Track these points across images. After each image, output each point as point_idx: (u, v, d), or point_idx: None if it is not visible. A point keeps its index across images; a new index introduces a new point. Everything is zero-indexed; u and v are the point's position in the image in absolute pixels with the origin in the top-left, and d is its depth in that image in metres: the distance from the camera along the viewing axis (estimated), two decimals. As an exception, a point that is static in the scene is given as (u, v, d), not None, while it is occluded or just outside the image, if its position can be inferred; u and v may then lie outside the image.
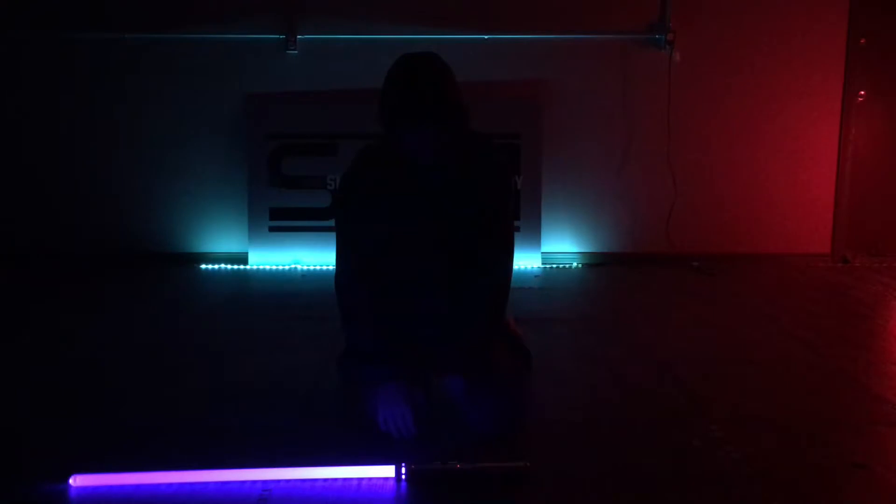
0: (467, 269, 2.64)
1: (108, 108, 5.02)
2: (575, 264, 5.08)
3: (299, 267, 4.97)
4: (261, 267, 4.98)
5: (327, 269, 4.79)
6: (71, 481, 2.24)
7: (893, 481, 2.33)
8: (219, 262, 5.03)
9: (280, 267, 4.98)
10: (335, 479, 2.28)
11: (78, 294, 4.39)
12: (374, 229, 2.62)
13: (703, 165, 5.11)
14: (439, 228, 2.62)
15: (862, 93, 5.08)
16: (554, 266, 5.03)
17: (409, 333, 2.69)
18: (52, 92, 4.99)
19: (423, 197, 2.60)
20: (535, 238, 4.98)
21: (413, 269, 2.65)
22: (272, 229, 5.01)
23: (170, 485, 2.25)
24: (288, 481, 2.27)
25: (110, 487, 2.24)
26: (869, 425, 2.70)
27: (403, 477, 2.26)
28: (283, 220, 5.00)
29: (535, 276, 4.72)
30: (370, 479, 2.28)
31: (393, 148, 2.54)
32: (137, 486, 2.24)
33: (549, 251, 5.10)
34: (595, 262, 5.10)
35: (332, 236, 2.73)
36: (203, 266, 5.00)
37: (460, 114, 2.50)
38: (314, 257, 4.97)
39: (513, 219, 2.91)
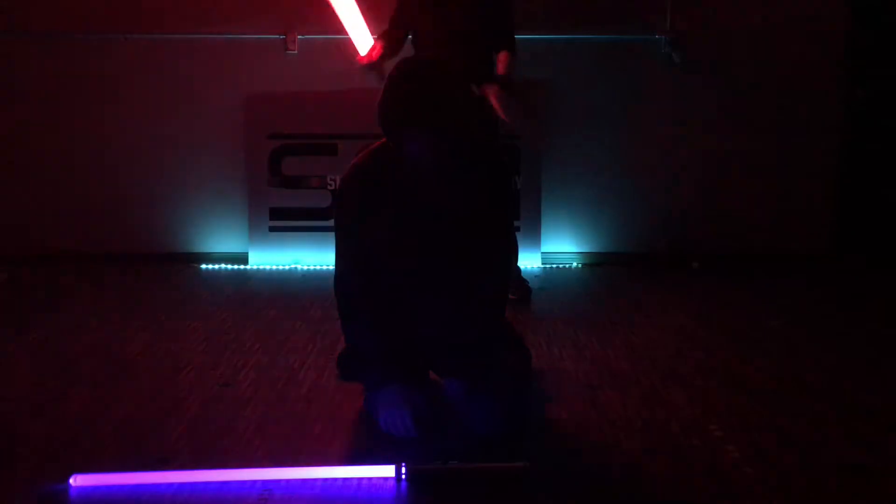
0: (467, 272, 2.64)
1: (108, 108, 5.02)
2: (575, 264, 5.08)
3: (299, 267, 4.97)
4: (261, 267, 4.98)
5: (327, 270, 4.79)
6: (71, 481, 2.24)
7: (892, 483, 2.33)
8: (219, 262, 5.03)
9: (280, 267, 4.98)
10: (335, 479, 2.28)
11: (78, 294, 4.38)
12: (374, 232, 2.62)
13: (703, 165, 5.11)
14: (439, 231, 2.62)
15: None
16: (554, 266, 5.03)
17: (410, 335, 2.69)
18: (52, 92, 4.99)
19: (423, 199, 2.60)
20: (535, 238, 4.98)
21: (413, 271, 2.65)
22: (272, 229, 5.01)
23: (170, 485, 2.25)
24: (288, 481, 2.27)
25: (110, 487, 2.24)
26: (868, 426, 2.70)
27: (403, 477, 2.26)
28: (284, 220, 5.00)
29: (535, 276, 4.72)
30: (370, 479, 2.28)
31: (393, 151, 2.54)
32: (137, 486, 2.24)
33: (549, 251, 5.09)
34: (595, 262, 5.10)
35: (333, 236, 2.73)
36: (203, 266, 5.00)
37: (460, 119, 2.50)
38: (314, 257, 4.97)
39: (513, 220, 2.92)
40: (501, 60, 4.00)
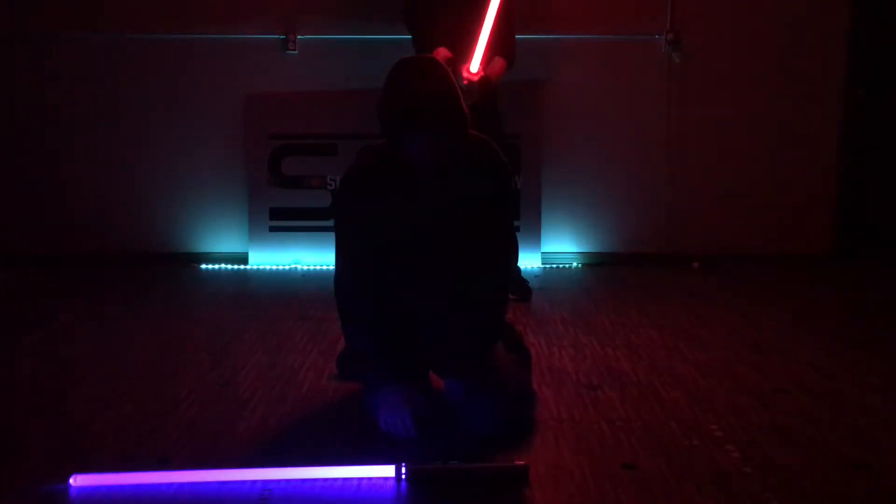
0: (468, 272, 2.64)
1: (108, 108, 5.01)
2: (575, 264, 5.08)
3: (299, 267, 4.97)
4: (261, 267, 4.98)
5: (327, 269, 4.78)
6: (71, 481, 2.24)
7: (893, 481, 2.33)
8: (219, 262, 5.02)
9: (280, 267, 4.98)
10: (335, 479, 2.28)
11: (78, 294, 4.38)
12: (373, 233, 2.62)
13: (703, 165, 5.10)
14: (439, 231, 2.62)
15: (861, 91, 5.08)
16: (554, 266, 5.03)
17: (410, 335, 2.69)
18: (52, 92, 4.99)
19: (423, 200, 2.60)
20: (535, 238, 4.98)
21: (413, 272, 2.65)
22: (272, 229, 5.01)
23: (170, 485, 2.25)
24: (288, 481, 2.27)
25: (110, 487, 2.24)
26: (868, 425, 2.70)
27: (403, 477, 2.26)
28: (284, 220, 5.00)
29: (535, 276, 4.72)
30: (370, 479, 2.28)
31: (392, 152, 2.54)
32: (137, 486, 2.24)
33: (549, 251, 5.09)
34: (595, 262, 5.10)
35: (333, 236, 2.73)
36: (203, 266, 5.00)
37: (461, 120, 2.50)
38: (314, 257, 4.97)
39: (513, 220, 2.93)
40: (495, 61, 4.05)
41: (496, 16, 3.97)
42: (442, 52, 3.90)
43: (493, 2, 3.94)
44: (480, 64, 3.95)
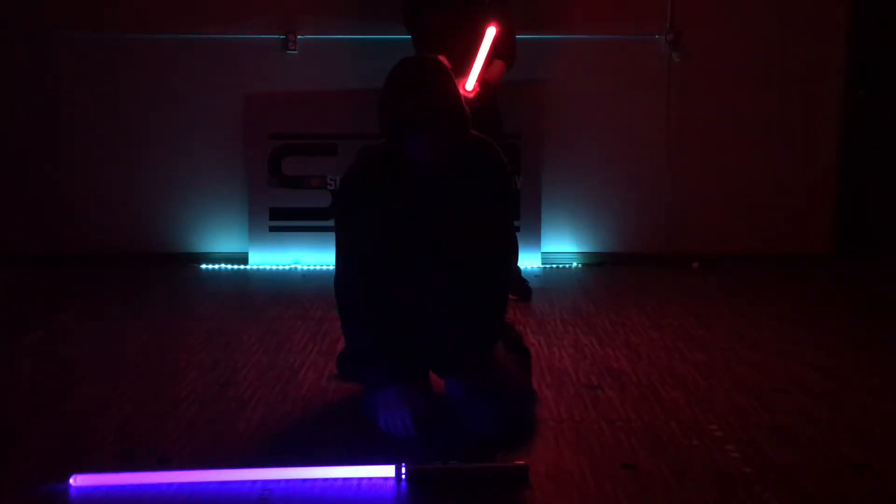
0: (468, 272, 2.64)
1: (109, 108, 5.01)
2: (575, 264, 5.08)
3: (299, 267, 4.97)
4: (261, 267, 4.98)
5: (327, 270, 4.78)
6: (71, 481, 2.24)
7: (893, 481, 2.33)
8: (219, 262, 5.02)
9: (280, 267, 4.98)
10: (335, 479, 2.28)
11: (78, 294, 4.38)
12: (374, 233, 2.62)
13: (703, 165, 5.10)
14: (439, 231, 2.62)
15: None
16: (554, 266, 5.03)
17: (410, 335, 2.69)
18: (52, 92, 4.98)
19: (424, 200, 2.60)
20: (535, 238, 4.98)
21: (413, 271, 2.65)
22: (272, 229, 5.01)
23: (170, 485, 2.25)
24: (288, 481, 2.27)
25: (110, 487, 2.24)
26: (868, 426, 2.70)
27: (403, 477, 2.26)
28: (284, 220, 5.00)
29: (535, 276, 4.72)
30: (370, 479, 2.28)
31: (392, 152, 2.54)
32: (137, 486, 2.24)
33: (549, 251, 5.09)
34: (595, 262, 5.10)
35: (333, 237, 2.73)
36: (203, 266, 5.00)
37: (461, 120, 2.50)
38: (314, 257, 4.97)
39: (513, 219, 2.93)
40: (494, 64, 4.06)
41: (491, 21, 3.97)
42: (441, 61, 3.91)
43: (489, 33, 3.91)
44: (476, 82, 3.93)
